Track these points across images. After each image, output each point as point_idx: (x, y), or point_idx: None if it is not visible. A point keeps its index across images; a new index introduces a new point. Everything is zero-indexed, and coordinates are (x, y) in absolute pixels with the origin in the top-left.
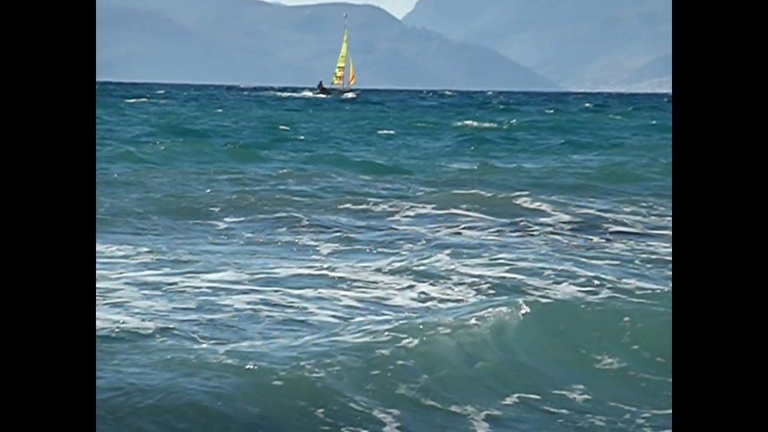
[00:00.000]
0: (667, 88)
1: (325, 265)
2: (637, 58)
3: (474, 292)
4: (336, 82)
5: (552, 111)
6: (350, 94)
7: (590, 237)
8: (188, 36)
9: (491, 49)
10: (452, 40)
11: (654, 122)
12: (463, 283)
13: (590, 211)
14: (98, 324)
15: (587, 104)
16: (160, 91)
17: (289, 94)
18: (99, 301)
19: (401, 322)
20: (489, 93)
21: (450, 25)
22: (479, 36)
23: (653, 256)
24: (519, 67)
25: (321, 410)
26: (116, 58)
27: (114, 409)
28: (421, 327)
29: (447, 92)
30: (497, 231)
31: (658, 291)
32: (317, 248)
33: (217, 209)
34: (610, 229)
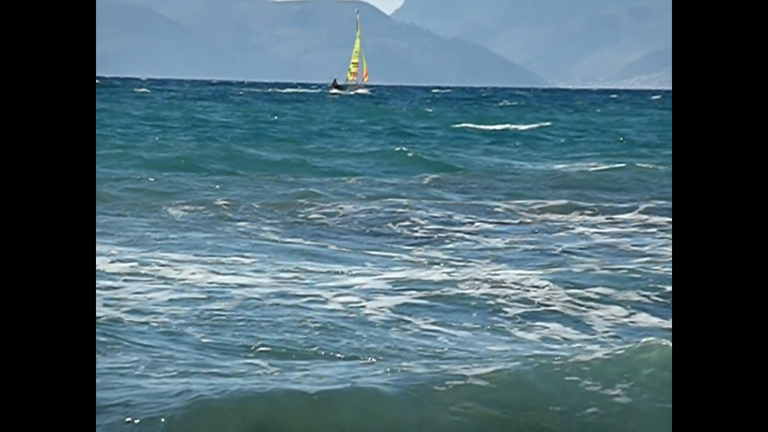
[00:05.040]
0: (655, 85)
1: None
2: (626, 55)
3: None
4: (350, 78)
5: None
6: (363, 90)
7: None
8: (178, 31)
9: (481, 45)
10: (442, 36)
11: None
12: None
13: None
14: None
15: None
16: (158, 87)
17: (293, 90)
18: (110, 299)
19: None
20: (481, 90)
21: (439, 21)
22: (469, 32)
23: None
24: (508, 63)
25: None
26: (107, 53)
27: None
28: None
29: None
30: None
31: None
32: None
33: (237, 207)
34: None
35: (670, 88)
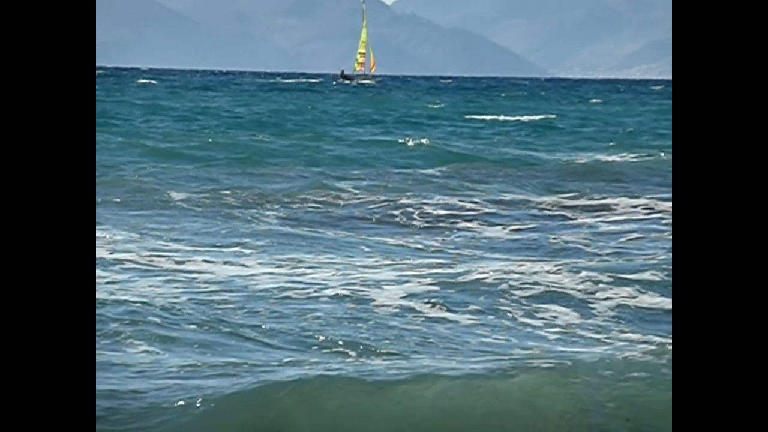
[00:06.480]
0: (656, 74)
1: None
2: (626, 45)
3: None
4: (358, 68)
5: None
6: (368, 81)
7: None
8: (178, 21)
9: (481, 35)
10: (442, 27)
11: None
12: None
13: None
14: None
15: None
16: (161, 77)
17: (297, 80)
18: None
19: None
20: (483, 80)
21: (439, 11)
22: (469, 22)
23: None
24: (509, 53)
25: None
26: (107, 44)
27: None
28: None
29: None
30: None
31: None
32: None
33: (243, 196)
34: None
35: (670, 78)
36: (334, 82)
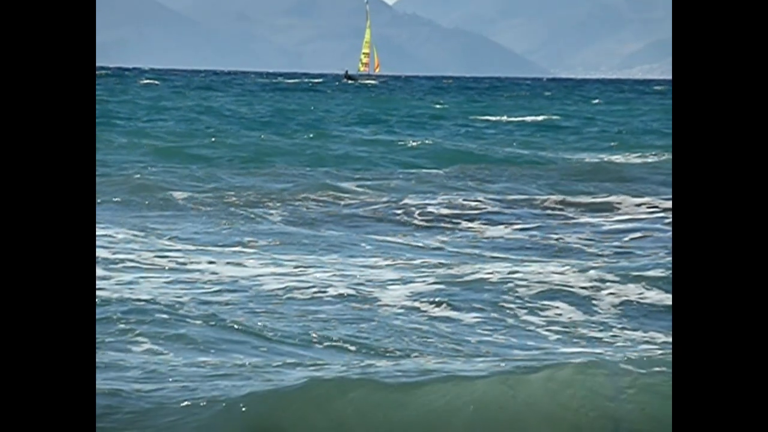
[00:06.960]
0: (657, 74)
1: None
2: (628, 44)
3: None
4: (362, 69)
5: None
6: (372, 81)
7: None
8: (178, 21)
9: (482, 35)
10: (443, 26)
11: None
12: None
13: None
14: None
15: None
16: (163, 77)
17: (299, 80)
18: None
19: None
20: (486, 80)
21: (441, 10)
22: (470, 22)
23: None
24: (510, 53)
25: None
26: (107, 43)
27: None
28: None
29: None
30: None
31: None
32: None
33: (246, 197)
34: None
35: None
36: (337, 83)
